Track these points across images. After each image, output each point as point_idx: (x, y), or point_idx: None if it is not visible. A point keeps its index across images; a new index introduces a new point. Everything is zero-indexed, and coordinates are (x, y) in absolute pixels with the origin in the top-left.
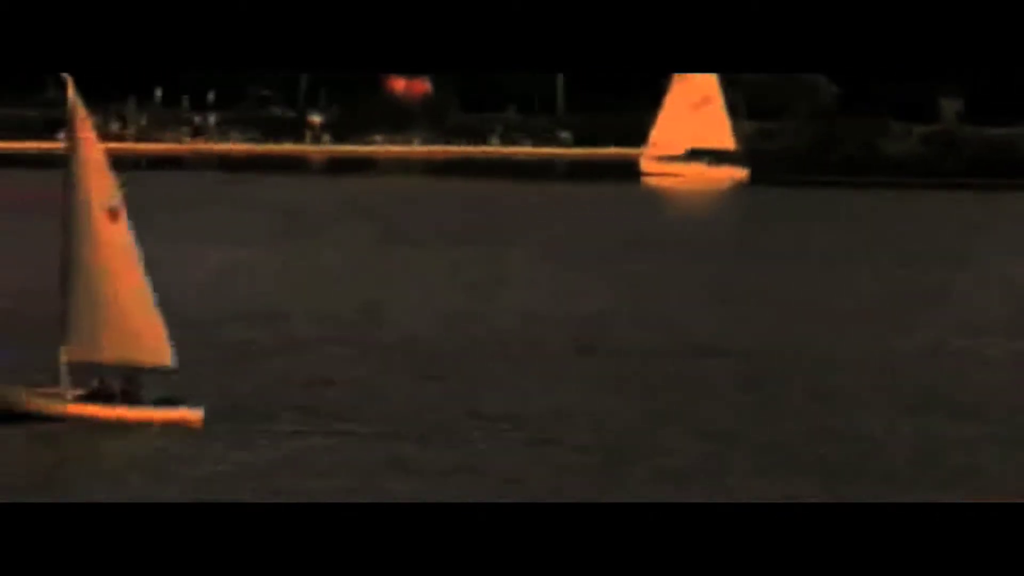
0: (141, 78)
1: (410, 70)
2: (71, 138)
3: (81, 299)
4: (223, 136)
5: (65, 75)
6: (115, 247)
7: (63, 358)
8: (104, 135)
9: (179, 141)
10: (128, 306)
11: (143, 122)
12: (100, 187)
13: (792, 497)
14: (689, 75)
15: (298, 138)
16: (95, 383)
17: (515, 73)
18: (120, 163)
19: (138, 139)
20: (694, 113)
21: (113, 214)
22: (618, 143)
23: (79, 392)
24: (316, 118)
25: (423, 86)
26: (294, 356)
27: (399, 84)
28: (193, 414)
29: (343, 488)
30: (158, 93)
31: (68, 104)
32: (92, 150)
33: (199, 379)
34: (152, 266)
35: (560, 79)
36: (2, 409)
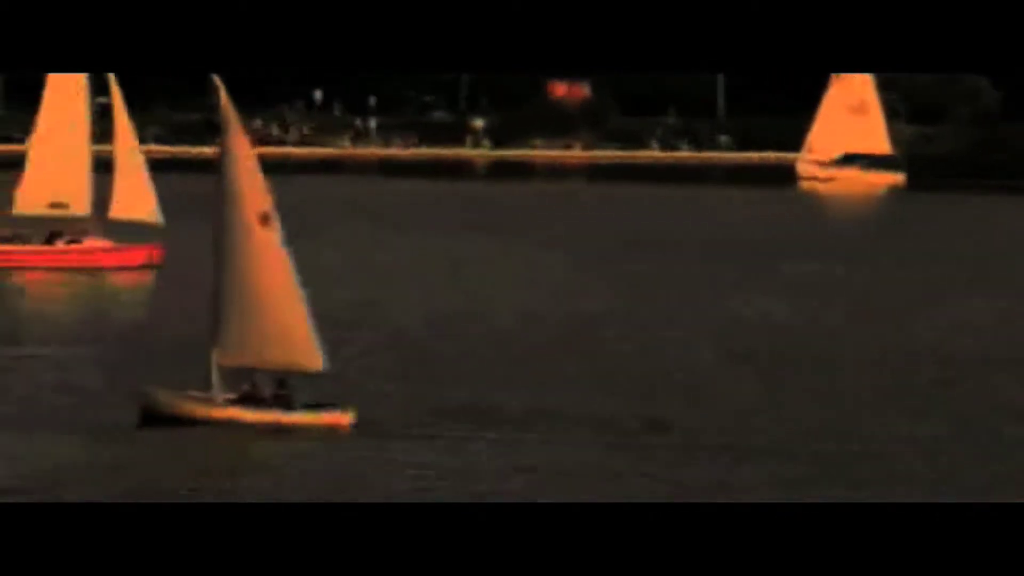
0: (303, 83)
1: (571, 72)
2: (223, 143)
3: (232, 304)
4: (384, 141)
5: (216, 79)
6: (267, 252)
7: (214, 362)
8: (265, 140)
9: (339, 146)
10: (279, 310)
11: (304, 127)
12: (252, 192)
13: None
14: (846, 78)
15: (458, 143)
16: (246, 387)
17: (676, 75)
18: (280, 168)
19: (299, 144)
20: (851, 117)
21: (265, 219)
22: (777, 147)
23: (230, 396)
24: (478, 123)
25: (583, 91)
26: (457, 360)
27: (559, 89)
28: (343, 418)
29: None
30: (319, 98)
31: (220, 109)
32: (244, 155)
33: (352, 383)
34: (306, 270)
35: (721, 82)
36: (154, 413)
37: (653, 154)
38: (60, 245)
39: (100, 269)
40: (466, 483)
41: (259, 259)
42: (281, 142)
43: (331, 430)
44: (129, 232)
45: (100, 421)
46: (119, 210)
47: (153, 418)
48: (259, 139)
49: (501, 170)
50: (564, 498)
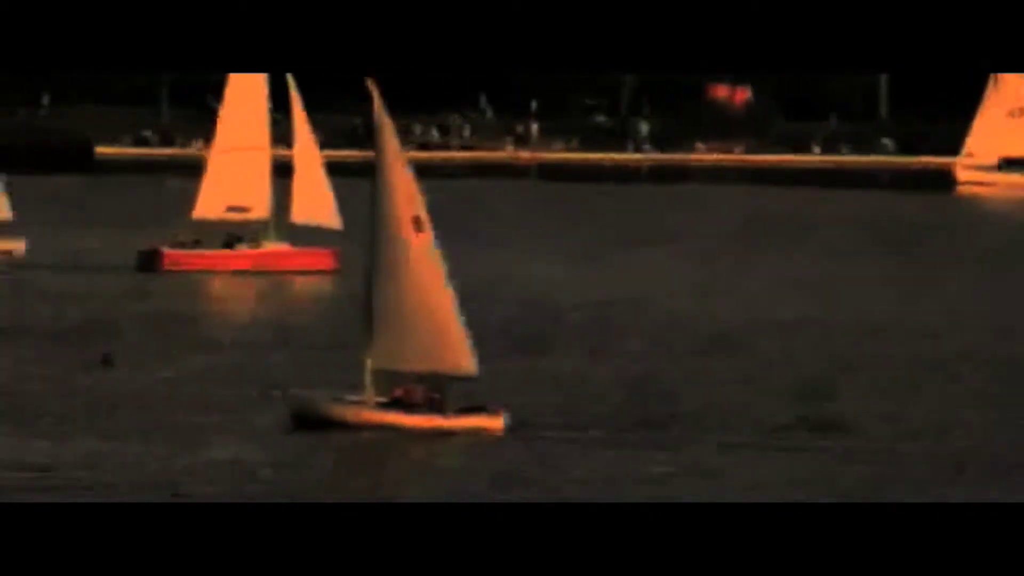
0: (467, 88)
1: (733, 71)
2: (377, 148)
3: (385, 308)
4: (545, 145)
5: (371, 83)
6: (420, 256)
7: (367, 366)
8: (426, 145)
9: (501, 150)
10: (432, 315)
11: (466, 132)
12: (405, 197)
13: None
14: (1006, 80)
15: (620, 147)
16: (399, 392)
17: (837, 76)
18: (441, 171)
19: (461, 148)
20: (1011, 121)
21: (418, 223)
22: (937, 151)
23: (383, 400)
24: (643, 126)
25: (744, 94)
26: (611, 362)
27: (721, 92)
28: (496, 421)
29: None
30: (484, 103)
31: (374, 113)
32: (398, 160)
33: (502, 387)
34: (458, 274)
35: (884, 85)
36: (306, 417)
37: (814, 158)
38: (240, 249)
39: (279, 273)
40: (618, 485)
41: (412, 263)
42: (443, 147)
43: (484, 434)
44: (307, 236)
45: (252, 424)
46: (300, 214)
47: (305, 422)
48: (420, 144)
49: (662, 174)
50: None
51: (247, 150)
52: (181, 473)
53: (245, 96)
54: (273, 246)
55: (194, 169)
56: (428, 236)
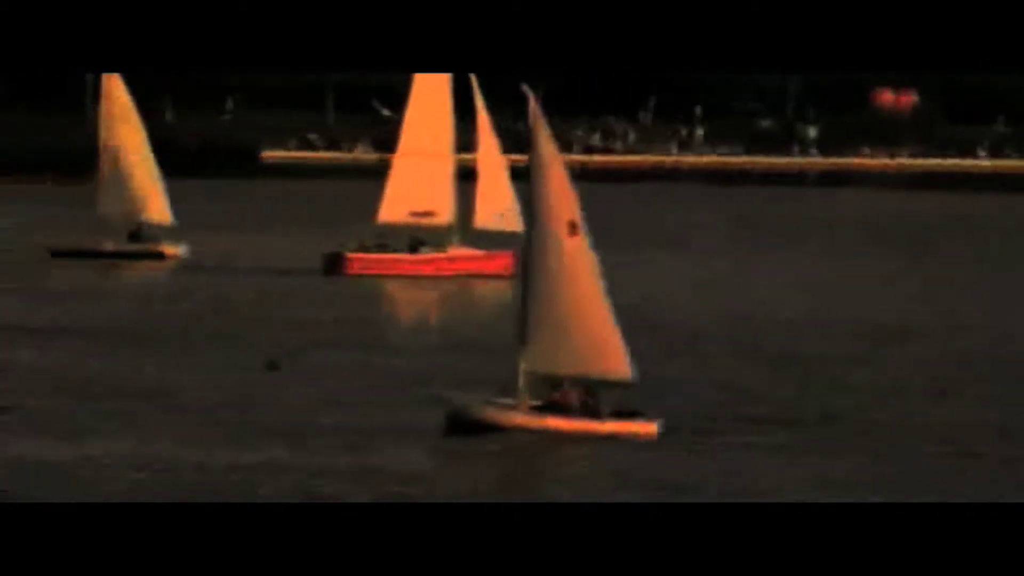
0: (631, 93)
1: (900, 71)
2: (533, 152)
3: (540, 312)
4: (709, 149)
5: (526, 88)
6: (575, 261)
7: (521, 370)
8: (591, 149)
9: (665, 154)
10: (588, 320)
11: (630, 136)
12: (560, 201)
13: None
14: None
15: (784, 151)
16: (554, 395)
17: (1004, 77)
18: (604, 176)
19: (625, 152)
20: None
21: (573, 228)
22: None
23: (537, 404)
24: (810, 131)
25: (909, 98)
26: (757, 370)
27: (886, 97)
28: (650, 426)
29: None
30: (651, 107)
31: (530, 117)
32: (553, 164)
33: (659, 392)
34: (619, 278)
35: None
36: (461, 421)
37: (980, 163)
38: (423, 254)
39: (462, 277)
40: (765, 489)
41: (567, 268)
42: (607, 151)
43: (638, 438)
44: (491, 240)
45: (408, 427)
46: (483, 219)
47: (460, 426)
48: (585, 148)
49: (826, 179)
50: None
51: (430, 155)
52: (332, 476)
53: (429, 99)
54: (456, 250)
55: (358, 173)
56: (584, 240)
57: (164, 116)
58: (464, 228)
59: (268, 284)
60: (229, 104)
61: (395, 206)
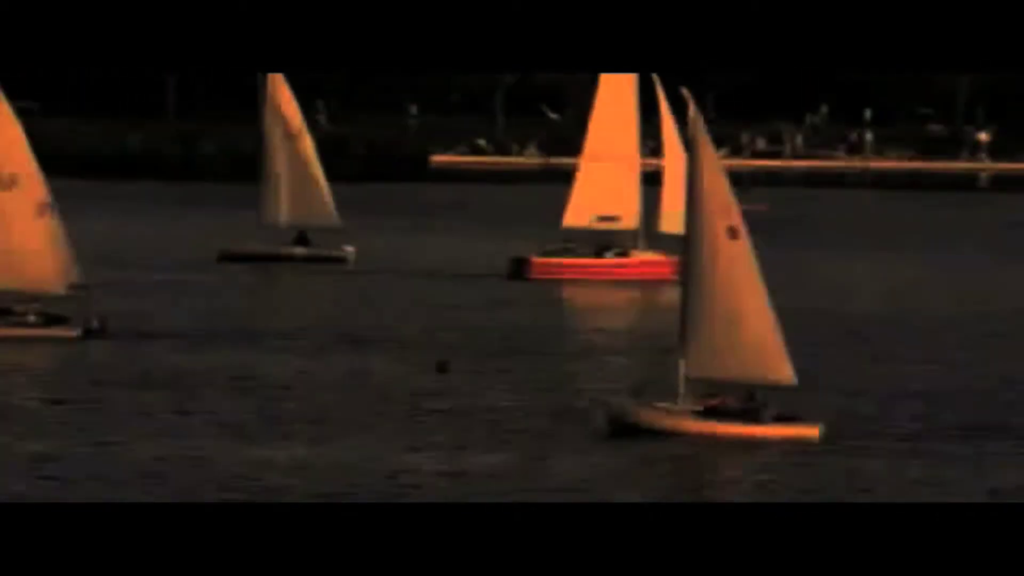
0: (802, 97)
1: None
2: (692, 156)
3: (702, 316)
4: (879, 153)
5: (685, 91)
6: (736, 264)
7: (681, 374)
8: (759, 153)
9: (834, 159)
10: (749, 323)
11: (798, 140)
12: (720, 205)
13: None
14: None
15: (953, 156)
16: (715, 400)
17: None
18: (772, 180)
19: (792, 156)
20: None
21: (733, 232)
22: None
23: (696, 408)
24: (983, 135)
25: None
26: (924, 374)
27: None
28: (811, 431)
29: None
30: (824, 112)
31: (688, 121)
32: (713, 167)
33: (821, 396)
34: (782, 281)
35: None
36: (621, 424)
37: None
38: (608, 258)
39: (648, 282)
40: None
41: (728, 272)
42: (773, 154)
43: (799, 443)
44: (673, 244)
45: (567, 431)
46: (668, 224)
47: (620, 429)
48: (753, 152)
49: (999, 183)
50: None
51: (616, 158)
52: (493, 477)
53: (614, 102)
54: (642, 255)
55: (525, 177)
56: (744, 244)
57: (325, 119)
58: (649, 232)
59: (449, 288)
60: (413, 110)
61: (580, 210)
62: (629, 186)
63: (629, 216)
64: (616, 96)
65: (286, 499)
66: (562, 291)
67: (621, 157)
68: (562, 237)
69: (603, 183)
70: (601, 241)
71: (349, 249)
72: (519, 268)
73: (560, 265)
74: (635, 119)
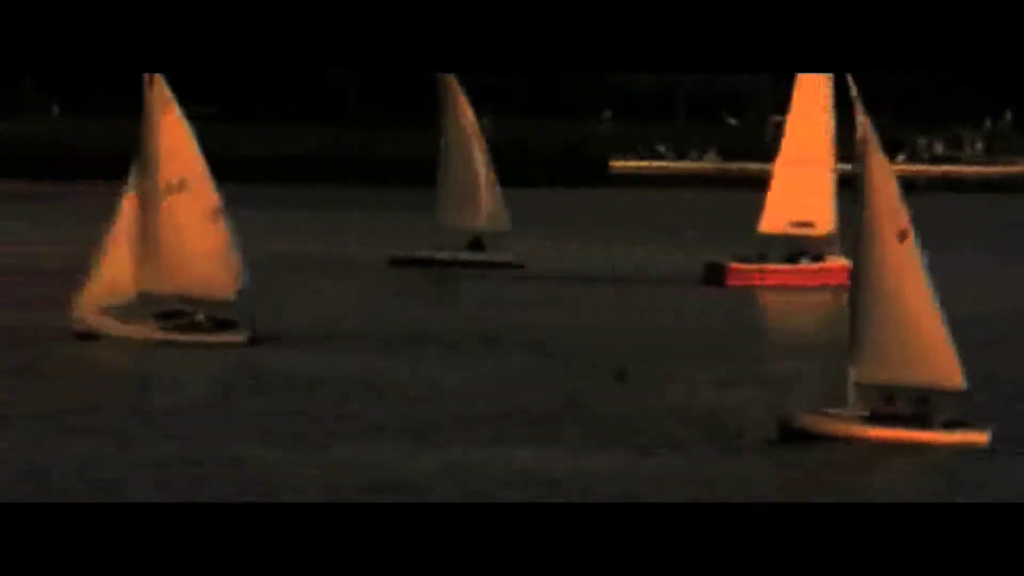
0: (985, 103)
1: None
2: (863, 160)
3: (871, 321)
4: None
5: (855, 97)
6: (905, 269)
7: (851, 379)
8: (936, 158)
9: (1014, 165)
10: (919, 328)
11: (978, 145)
12: (889, 209)
13: None
14: None
15: None
16: (884, 404)
17: None
18: (950, 186)
19: (970, 162)
20: None
21: (902, 236)
22: None
23: (865, 413)
24: None
25: None
26: None
27: None
28: (980, 436)
29: None
30: (1008, 118)
31: (858, 126)
32: (882, 171)
33: (991, 401)
34: (954, 286)
35: None
36: (791, 430)
37: None
38: (803, 265)
39: (842, 288)
40: None
41: (897, 276)
42: (951, 159)
43: (967, 449)
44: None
45: (735, 435)
46: None
47: (790, 435)
48: (930, 157)
49: None
50: None
51: (811, 162)
52: (653, 479)
53: (809, 105)
54: (836, 261)
55: (703, 182)
56: (914, 247)
57: (488, 123)
58: (844, 237)
59: (645, 293)
60: (607, 114)
61: (776, 216)
62: (823, 191)
63: (823, 222)
64: (810, 98)
65: (507, 499)
66: (756, 297)
67: (815, 161)
68: (757, 243)
69: (798, 188)
70: (793, 247)
71: (517, 255)
72: (715, 274)
73: (761, 271)
74: (828, 122)
